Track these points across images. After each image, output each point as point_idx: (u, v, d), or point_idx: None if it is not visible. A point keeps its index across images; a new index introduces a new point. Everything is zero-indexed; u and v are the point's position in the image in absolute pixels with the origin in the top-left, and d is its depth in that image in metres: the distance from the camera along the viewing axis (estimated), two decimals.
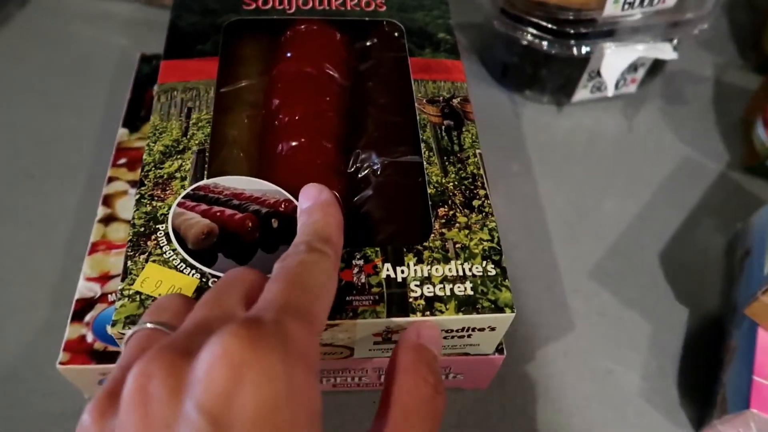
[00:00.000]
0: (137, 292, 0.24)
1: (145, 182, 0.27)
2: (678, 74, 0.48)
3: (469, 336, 0.26)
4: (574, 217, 0.40)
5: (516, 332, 0.34)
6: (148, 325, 0.20)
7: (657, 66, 0.45)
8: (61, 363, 0.27)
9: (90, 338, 0.28)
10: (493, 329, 0.26)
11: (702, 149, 0.44)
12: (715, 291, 0.37)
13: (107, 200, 0.32)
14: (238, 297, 0.20)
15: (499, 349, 0.29)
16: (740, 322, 0.32)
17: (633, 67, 0.43)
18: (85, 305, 0.29)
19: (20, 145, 0.40)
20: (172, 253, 0.25)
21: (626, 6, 0.38)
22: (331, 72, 0.33)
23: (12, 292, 0.34)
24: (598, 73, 0.42)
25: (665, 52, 0.40)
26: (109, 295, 0.29)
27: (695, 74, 0.49)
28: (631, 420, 0.32)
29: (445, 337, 0.26)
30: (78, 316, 0.28)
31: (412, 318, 0.24)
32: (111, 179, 0.33)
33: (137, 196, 0.27)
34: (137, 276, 0.24)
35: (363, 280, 0.25)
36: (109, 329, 0.25)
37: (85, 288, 0.29)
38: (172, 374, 0.16)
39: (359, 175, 0.30)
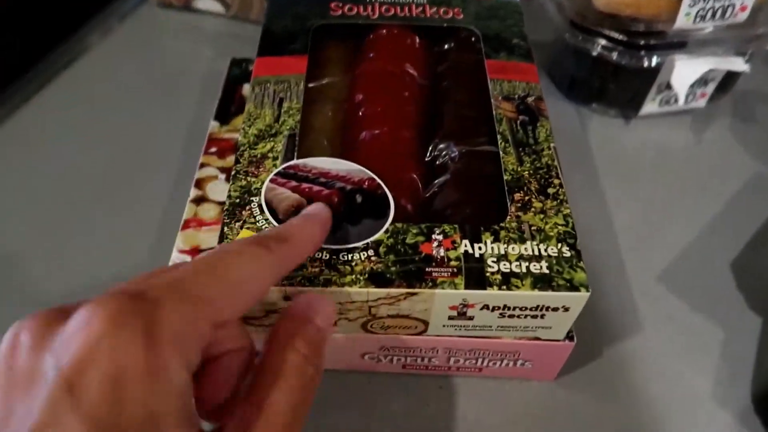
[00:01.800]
0: None
1: (240, 160, 0.29)
2: (748, 92, 0.48)
3: (542, 316, 0.27)
4: (642, 227, 0.40)
5: (584, 329, 0.34)
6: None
7: (727, 82, 0.45)
8: None
9: None
10: (566, 310, 0.26)
11: None
12: None
13: (199, 183, 0.35)
14: (169, 276, 0.19)
15: (569, 336, 0.29)
16: None
17: (703, 81, 0.43)
18: None
19: (116, 144, 0.43)
20: (264, 222, 0.27)
21: (698, 19, 0.39)
22: (410, 71, 0.35)
23: (111, 269, 0.36)
24: (668, 86, 0.43)
25: (737, 64, 0.41)
26: None
27: (766, 92, 0.49)
28: (702, 423, 0.32)
29: (519, 316, 0.27)
30: None
31: (489, 291, 0.25)
32: (203, 165, 0.36)
33: (233, 173, 0.29)
34: (232, 240, 0.26)
35: (442, 254, 0.26)
36: None
37: (177, 259, 0.31)
38: (39, 330, 0.16)
39: (437, 162, 0.31)
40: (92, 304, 0.16)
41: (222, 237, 0.26)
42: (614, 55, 0.41)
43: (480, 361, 0.31)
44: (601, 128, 0.46)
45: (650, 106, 0.45)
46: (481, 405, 0.32)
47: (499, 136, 0.31)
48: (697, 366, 0.34)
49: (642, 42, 0.40)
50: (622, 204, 0.42)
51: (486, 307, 0.26)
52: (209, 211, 0.33)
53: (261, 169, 0.29)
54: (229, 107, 0.39)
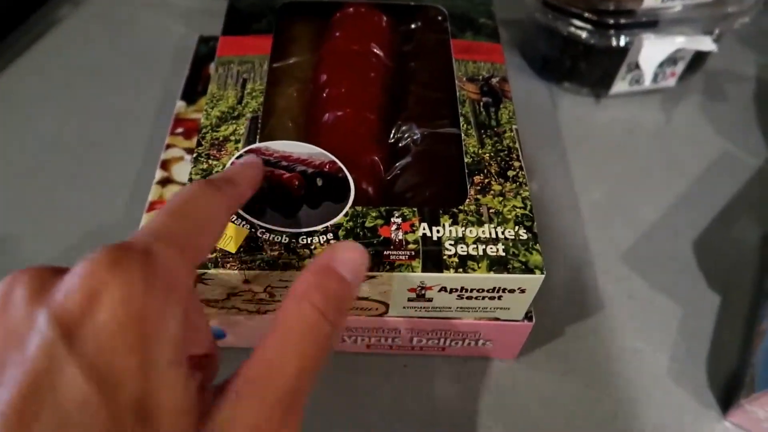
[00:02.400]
0: None
1: (202, 143, 0.29)
2: (719, 71, 0.49)
3: (499, 297, 0.27)
4: (608, 206, 0.41)
5: (546, 308, 0.35)
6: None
7: (697, 61, 0.45)
8: None
9: None
10: (523, 291, 0.27)
11: (741, 145, 0.45)
12: (748, 280, 0.37)
13: (165, 164, 0.35)
14: (148, 229, 0.19)
15: (528, 317, 0.30)
16: None
17: (672, 61, 0.43)
18: None
19: (87, 117, 0.43)
20: None
21: None
22: (376, 51, 0.35)
23: (77, 246, 0.36)
24: (637, 66, 0.43)
25: (705, 44, 0.41)
26: None
27: (736, 72, 0.49)
28: (658, 399, 0.33)
29: (476, 298, 0.27)
30: None
31: (445, 274, 0.25)
32: (168, 146, 0.36)
33: (194, 155, 0.29)
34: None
35: (400, 237, 0.26)
36: None
37: None
38: (35, 283, 0.16)
39: (400, 145, 0.31)
40: (87, 260, 0.16)
41: None
42: (584, 35, 0.41)
43: (442, 341, 0.31)
44: (572, 107, 0.47)
45: (620, 85, 0.45)
46: (444, 383, 0.33)
47: (461, 118, 0.31)
48: (656, 343, 0.35)
49: (611, 21, 0.40)
50: (590, 182, 0.42)
51: (444, 289, 0.27)
52: None
53: (223, 152, 0.29)
54: (195, 86, 0.39)
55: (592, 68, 0.44)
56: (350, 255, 0.21)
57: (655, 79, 0.43)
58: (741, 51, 0.50)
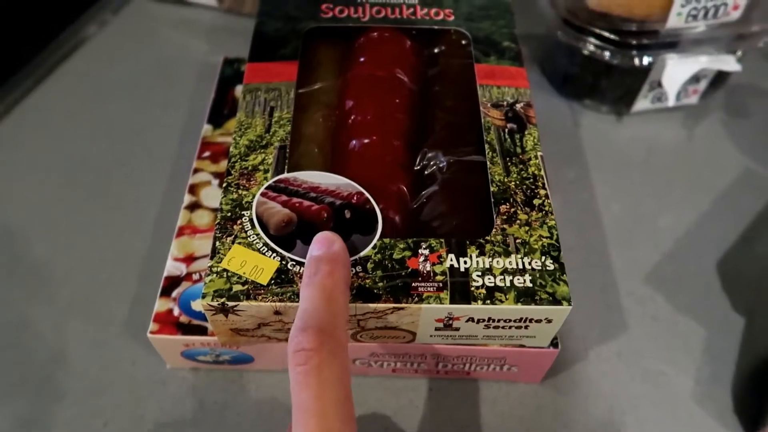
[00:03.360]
0: (224, 270, 0.26)
1: (232, 172, 0.30)
2: (741, 87, 0.48)
3: (526, 327, 0.28)
4: (630, 223, 0.41)
5: (570, 331, 0.36)
6: None
7: (720, 78, 0.45)
8: (151, 332, 0.30)
9: (176, 312, 0.31)
10: (549, 321, 0.27)
11: (763, 162, 0.44)
12: None
13: (192, 189, 0.35)
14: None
15: (554, 343, 0.30)
16: None
17: (695, 79, 0.43)
18: (172, 282, 0.32)
19: (113, 137, 0.44)
20: (255, 237, 0.27)
21: (690, 18, 0.39)
22: (401, 76, 0.35)
23: (104, 269, 0.37)
24: (659, 84, 0.43)
25: (728, 64, 0.41)
26: (194, 274, 0.32)
27: (759, 87, 0.49)
28: (683, 422, 0.33)
29: (503, 327, 0.28)
30: (166, 292, 0.31)
31: (473, 305, 0.26)
32: (196, 170, 0.36)
33: (225, 184, 0.29)
34: (224, 255, 0.27)
35: (428, 269, 0.27)
36: (198, 302, 0.28)
37: (172, 267, 0.32)
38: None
39: (426, 172, 0.32)
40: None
41: (214, 252, 0.27)
42: (606, 54, 0.41)
43: (467, 365, 0.32)
44: (593, 124, 0.47)
45: (642, 103, 0.45)
46: (469, 406, 0.33)
47: (486, 146, 0.31)
48: (680, 366, 0.35)
49: (634, 42, 0.40)
50: (611, 200, 0.42)
51: (471, 319, 0.27)
52: (203, 218, 0.34)
53: (252, 182, 0.29)
54: (221, 109, 0.39)
55: (614, 86, 0.44)
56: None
57: (677, 97, 0.43)
58: (764, 67, 0.50)
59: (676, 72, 0.40)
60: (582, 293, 0.37)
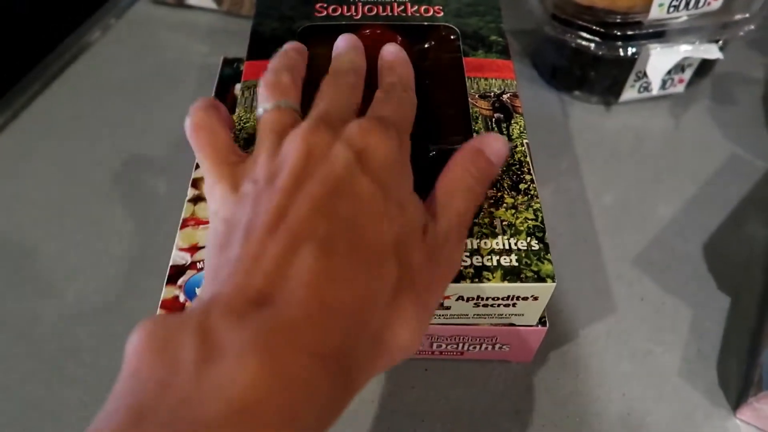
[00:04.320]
0: None
1: None
2: (727, 75, 0.50)
3: (514, 305, 0.29)
4: (619, 211, 0.42)
5: (560, 312, 0.37)
6: (281, 104, 0.27)
7: (705, 67, 0.46)
8: None
9: (182, 299, 0.32)
10: (536, 299, 0.29)
11: (750, 147, 0.46)
12: (757, 282, 0.38)
13: (195, 183, 0.37)
14: (353, 106, 0.28)
15: (542, 321, 0.31)
16: None
17: (680, 68, 0.44)
18: (177, 271, 0.33)
19: (117, 137, 0.46)
20: None
21: (672, 9, 0.40)
22: None
23: (115, 259, 0.39)
24: (645, 74, 0.44)
25: (711, 52, 0.42)
26: (198, 263, 0.33)
27: (744, 75, 0.50)
28: (669, 398, 0.34)
29: (492, 305, 0.29)
30: (172, 280, 0.33)
31: (462, 284, 0.27)
32: (198, 165, 0.38)
33: None
34: None
35: None
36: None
37: (178, 257, 0.34)
38: (328, 133, 0.24)
39: (416, 162, 0.33)
40: (361, 121, 0.25)
41: None
42: (592, 47, 0.42)
43: (461, 345, 0.33)
44: (582, 114, 0.48)
45: (630, 93, 0.46)
46: (462, 386, 0.34)
47: (474, 135, 0.33)
48: (667, 344, 0.36)
49: (618, 33, 0.41)
50: (602, 188, 0.44)
51: (461, 297, 0.28)
52: (206, 210, 0.35)
53: None
54: None
55: (602, 77, 0.46)
56: (495, 144, 0.27)
57: (663, 86, 0.44)
58: (748, 54, 0.51)
59: (660, 62, 0.42)
60: (571, 276, 0.38)
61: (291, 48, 0.32)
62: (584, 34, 0.42)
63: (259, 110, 0.27)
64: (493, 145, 0.27)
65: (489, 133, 0.31)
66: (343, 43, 0.34)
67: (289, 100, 0.28)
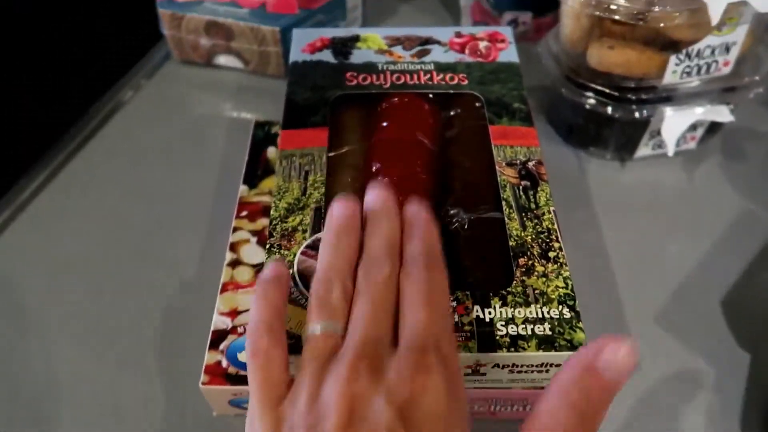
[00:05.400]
0: None
1: (273, 234, 0.33)
2: (737, 131, 0.51)
3: (547, 371, 0.30)
4: (638, 265, 0.44)
5: None
6: (328, 328, 0.25)
7: (716, 124, 0.48)
8: (203, 383, 0.33)
9: (224, 363, 0.33)
10: None
11: (761, 201, 0.47)
12: None
13: (233, 247, 0.38)
14: (389, 322, 0.25)
15: None
16: None
17: (692, 127, 0.46)
18: (219, 336, 0.34)
19: (151, 197, 0.47)
20: (299, 294, 0.30)
21: (684, 75, 0.42)
22: (421, 138, 0.38)
23: (149, 325, 0.40)
24: (659, 133, 0.46)
25: (722, 115, 0.44)
26: (239, 328, 0.35)
27: (753, 131, 0.52)
28: None
29: (526, 371, 0.30)
30: (214, 345, 0.34)
31: (499, 354, 0.29)
32: (235, 229, 0.39)
33: (267, 246, 0.32)
34: None
35: (456, 319, 0.29)
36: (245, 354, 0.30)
37: (219, 321, 0.35)
38: (369, 378, 0.22)
39: (449, 229, 0.35)
40: (404, 360, 0.23)
41: None
42: (608, 109, 0.44)
43: (493, 407, 0.34)
44: (598, 170, 0.50)
45: (644, 150, 0.48)
46: None
47: (503, 203, 0.34)
48: (691, 402, 0.37)
49: (633, 96, 0.43)
50: (619, 242, 0.45)
51: (497, 365, 0.30)
52: (244, 274, 0.37)
53: (292, 242, 0.33)
54: (255, 171, 0.42)
55: (616, 136, 0.48)
56: (615, 352, 0.21)
57: (676, 144, 0.46)
58: (757, 111, 0.53)
59: (674, 124, 0.44)
60: (594, 335, 0.39)
61: (346, 244, 0.28)
62: (599, 97, 0.44)
63: (308, 330, 0.26)
64: (611, 356, 0.21)
65: (607, 336, 0.22)
66: (373, 201, 0.30)
67: (334, 324, 0.26)
